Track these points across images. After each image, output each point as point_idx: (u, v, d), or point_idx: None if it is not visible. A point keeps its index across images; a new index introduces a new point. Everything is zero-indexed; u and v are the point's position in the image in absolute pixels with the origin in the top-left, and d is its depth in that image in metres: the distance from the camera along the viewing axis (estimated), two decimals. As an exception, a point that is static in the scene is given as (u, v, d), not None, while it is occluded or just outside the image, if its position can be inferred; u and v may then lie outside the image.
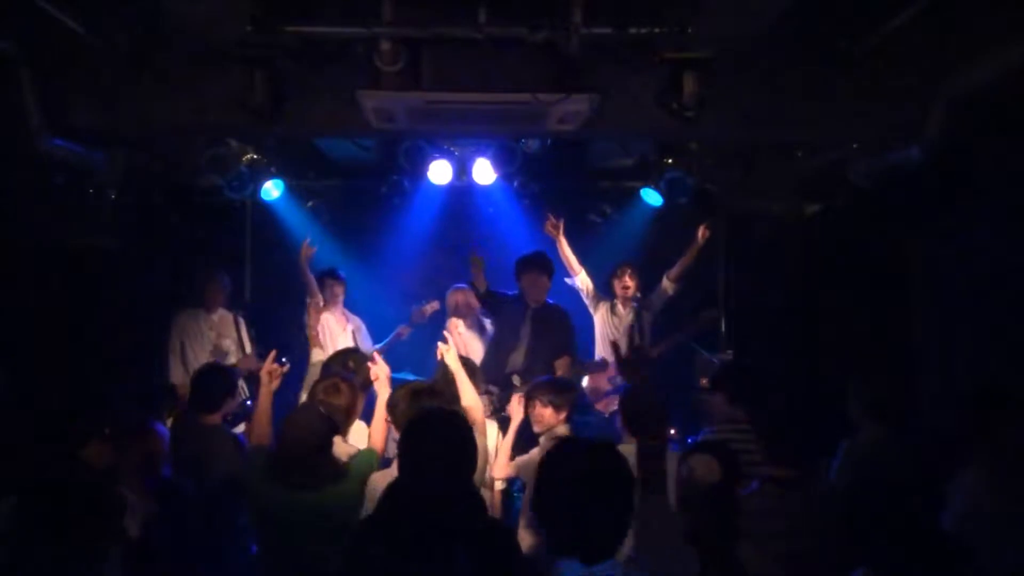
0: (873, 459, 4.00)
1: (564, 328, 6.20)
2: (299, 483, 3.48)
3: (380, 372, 4.14)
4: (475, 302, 6.56)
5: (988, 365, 4.97)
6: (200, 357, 6.16)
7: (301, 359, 5.78)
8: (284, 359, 4.31)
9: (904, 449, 4.03)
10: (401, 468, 2.80)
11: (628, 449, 2.65)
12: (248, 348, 6.42)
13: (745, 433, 3.84)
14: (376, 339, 6.75)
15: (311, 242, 6.35)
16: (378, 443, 3.91)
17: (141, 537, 3.52)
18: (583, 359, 6.53)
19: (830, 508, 2.97)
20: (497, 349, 6.17)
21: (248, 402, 5.45)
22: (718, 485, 2.91)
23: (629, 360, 3.14)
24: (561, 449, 2.52)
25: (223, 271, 6.66)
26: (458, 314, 6.66)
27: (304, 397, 4.84)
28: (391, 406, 3.89)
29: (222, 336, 6.40)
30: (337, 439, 3.95)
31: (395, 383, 4.22)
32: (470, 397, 4.07)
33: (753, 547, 2.81)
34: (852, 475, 3.96)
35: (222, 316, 6.47)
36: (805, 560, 3.01)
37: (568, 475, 2.36)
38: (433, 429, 2.75)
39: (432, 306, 6.70)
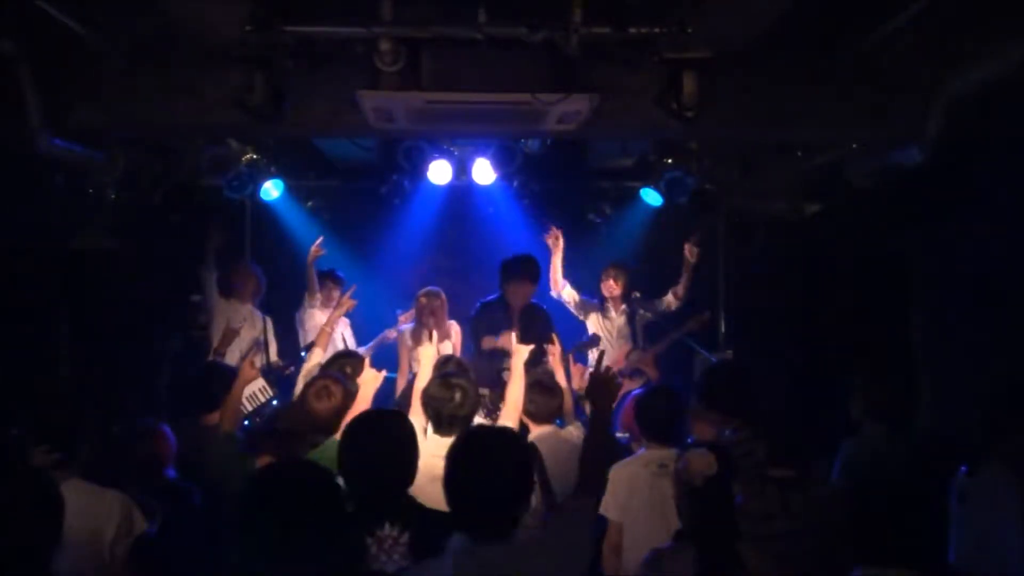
0: (874, 459, 3.99)
1: (547, 323, 6.12)
2: None
3: (367, 376, 4.07)
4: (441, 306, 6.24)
5: (988, 364, 4.96)
6: (236, 349, 6.09)
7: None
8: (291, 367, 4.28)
9: (905, 449, 4.03)
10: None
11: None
12: (273, 348, 6.35)
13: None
14: (364, 340, 6.68)
15: (321, 243, 6.36)
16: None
17: (145, 538, 3.52)
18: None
19: (830, 508, 2.97)
20: (489, 354, 5.98)
21: (274, 401, 5.37)
22: (714, 478, 2.90)
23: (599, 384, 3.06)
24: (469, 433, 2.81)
25: (257, 266, 6.62)
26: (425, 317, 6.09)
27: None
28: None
29: (254, 330, 6.36)
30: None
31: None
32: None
33: (753, 548, 2.80)
34: (853, 475, 3.95)
35: (251, 311, 6.42)
36: (805, 560, 3.01)
37: (468, 457, 2.53)
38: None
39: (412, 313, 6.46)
